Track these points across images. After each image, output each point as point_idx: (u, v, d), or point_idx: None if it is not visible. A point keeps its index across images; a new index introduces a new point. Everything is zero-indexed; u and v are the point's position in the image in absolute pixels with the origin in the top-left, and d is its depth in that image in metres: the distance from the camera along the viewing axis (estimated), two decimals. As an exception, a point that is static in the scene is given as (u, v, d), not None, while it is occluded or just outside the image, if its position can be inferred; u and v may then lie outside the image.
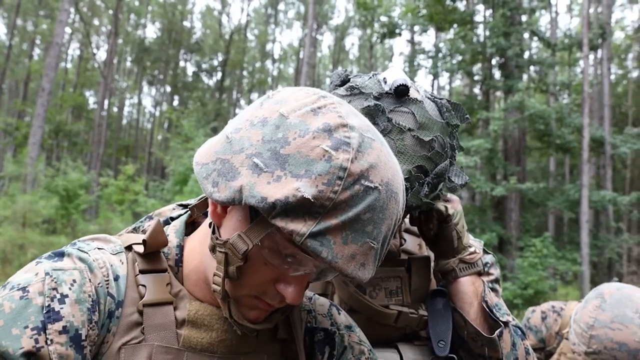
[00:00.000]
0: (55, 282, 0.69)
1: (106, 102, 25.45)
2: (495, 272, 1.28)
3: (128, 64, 37.29)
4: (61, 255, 0.74)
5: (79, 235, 13.31)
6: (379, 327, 1.12)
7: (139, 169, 24.99)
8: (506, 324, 1.11)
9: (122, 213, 14.85)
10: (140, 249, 0.81)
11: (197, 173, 0.70)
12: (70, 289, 0.69)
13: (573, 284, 20.70)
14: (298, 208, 0.60)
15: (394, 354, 1.12)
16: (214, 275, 0.72)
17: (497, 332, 1.07)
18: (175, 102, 34.29)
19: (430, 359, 1.12)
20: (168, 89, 35.47)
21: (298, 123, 0.64)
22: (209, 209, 0.74)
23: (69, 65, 34.99)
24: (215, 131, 22.03)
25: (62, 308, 0.67)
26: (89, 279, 0.71)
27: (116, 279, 0.76)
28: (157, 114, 36.98)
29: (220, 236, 0.72)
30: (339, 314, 0.93)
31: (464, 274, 1.12)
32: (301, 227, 0.61)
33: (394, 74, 1.04)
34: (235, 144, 0.67)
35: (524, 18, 15.87)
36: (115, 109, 34.55)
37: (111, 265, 0.76)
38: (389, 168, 0.66)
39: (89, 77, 32.27)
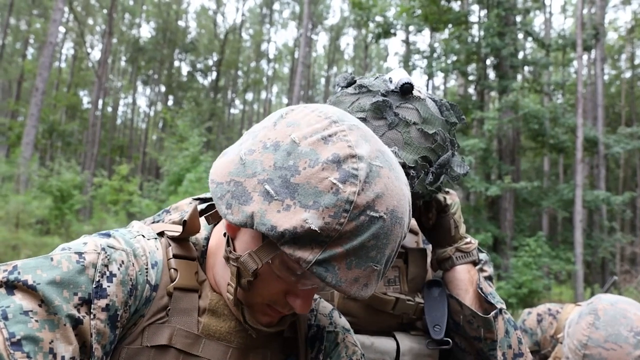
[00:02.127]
0: (108, 259, 0.71)
1: (100, 101, 25.36)
2: (489, 269, 1.31)
3: (122, 63, 37.17)
4: (108, 236, 0.77)
5: (73, 236, 13.27)
6: (377, 315, 1.16)
7: (133, 169, 24.93)
8: (500, 310, 1.15)
9: (116, 213, 14.80)
10: (174, 234, 0.85)
11: (211, 192, 0.73)
12: (118, 269, 0.72)
13: (567, 283, 20.80)
14: (305, 237, 0.64)
15: (391, 341, 1.16)
16: (228, 284, 0.78)
17: (492, 313, 1.12)
18: (170, 102, 34.20)
19: (427, 342, 1.16)
20: (162, 88, 35.37)
21: (309, 152, 0.66)
22: (225, 222, 0.78)
23: (63, 65, 34.85)
24: (210, 131, 22.00)
25: (108, 286, 0.70)
26: (133, 264, 0.75)
27: (154, 265, 0.79)
28: (152, 113, 36.88)
29: (234, 249, 0.76)
30: (340, 317, 0.97)
31: (459, 262, 1.18)
32: (308, 254, 0.64)
33: (398, 74, 1.11)
34: (249, 166, 0.69)
35: (518, 18, 15.93)
36: (109, 109, 34.44)
37: (149, 253, 0.80)
38: (394, 195, 0.68)
39: (83, 76, 32.15)
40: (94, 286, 0.68)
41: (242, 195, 0.68)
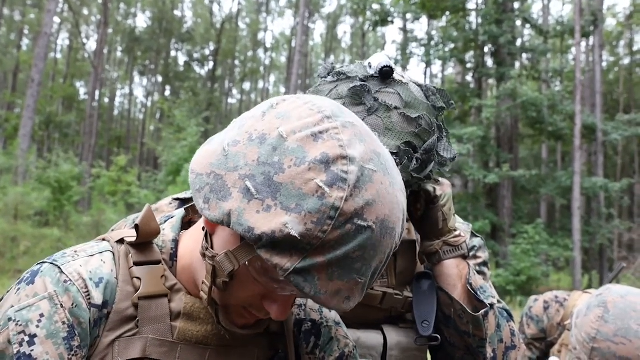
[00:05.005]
0: (21, 325, 0.69)
1: (97, 92, 25.24)
2: (483, 255, 1.28)
3: (119, 54, 36.94)
4: (35, 275, 0.74)
5: (72, 227, 13.27)
6: (365, 309, 1.12)
7: (131, 160, 24.88)
8: (491, 306, 1.12)
9: (115, 204, 14.80)
10: (132, 239, 0.80)
11: (191, 182, 0.69)
12: (38, 326, 0.69)
13: (565, 270, 20.91)
14: (284, 243, 0.59)
15: (378, 335, 1.13)
16: (203, 282, 0.73)
17: (482, 311, 1.08)
18: (167, 92, 34.07)
19: (415, 338, 1.13)
20: (160, 79, 35.22)
21: (296, 149, 0.61)
22: (203, 217, 0.73)
23: (59, 56, 34.63)
24: (207, 121, 21.95)
25: (32, 350, 0.67)
26: (61, 304, 0.71)
27: (99, 282, 0.75)
28: (149, 104, 36.74)
29: (212, 246, 0.71)
30: (330, 311, 0.94)
31: (447, 256, 1.13)
32: (285, 262, 0.60)
33: (378, 58, 1.06)
34: (231, 159, 0.64)
35: (516, 5, 15.85)
36: (106, 100, 34.29)
37: (90, 271, 0.75)
38: (387, 203, 0.63)
39: (79, 67, 31.97)
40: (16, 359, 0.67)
41: (221, 190, 0.63)
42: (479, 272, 1.25)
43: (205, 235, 0.73)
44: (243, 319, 0.76)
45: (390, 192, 0.64)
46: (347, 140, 0.62)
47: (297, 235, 0.58)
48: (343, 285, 0.62)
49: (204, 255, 0.72)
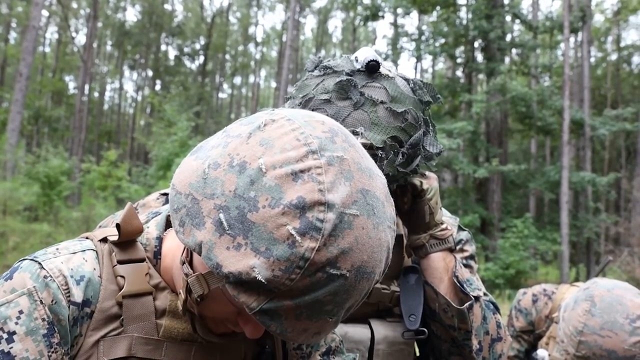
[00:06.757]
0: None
1: (87, 87, 25.01)
2: (470, 248, 1.29)
3: (108, 48, 36.60)
4: (15, 270, 0.73)
5: (62, 222, 13.21)
6: None
7: (121, 155, 24.73)
8: (477, 298, 1.13)
9: (105, 199, 14.75)
10: (115, 238, 0.79)
11: (170, 199, 0.68)
12: (17, 323, 0.68)
13: (553, 264, 21.15)
14: (251, 284, 0.58)
15: (365, 329, 1.14)
16: (179, 292, 0.72)
17: (466, 304, 1.10)
18: (158, 87, 33.82)
19: (402, 332, 1.14)
20: (150, 73, 34.94)
21: (273, 187, 0.58)
22: None
23: (47, 50, 34.26)
24: (198, 115, 21.86)
25: (11, 347, 0.67)
26: (41, 301, 0.70)
27: (80, 280, 0.74)
28: (139, 98, 36.50)
29: (191, 258, 0.70)
30: None
31: (434, 250, 1.14)
32: (252, 301, 0.59)
33: (364, 52, 1.06)
34: (209, 185, 0.62)
35: (506, 1, 15.92)
36: (96, 94, 34.00)
37: (71, 269, 0.74)
38: (366, 249, 0.60)
39: (69, 61, 31.65)
40: None
41: (196, 217, 0.62)
42: (466, 266, 1.25)
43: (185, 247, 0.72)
44: (220, 328, 0.77)
45: (372, 235, 0.61)
46: (329, 182, 0.59)
47: (263, 280, 0.57)
48: (311, 324, 0.62)
49: (182, 263, 0.71)
